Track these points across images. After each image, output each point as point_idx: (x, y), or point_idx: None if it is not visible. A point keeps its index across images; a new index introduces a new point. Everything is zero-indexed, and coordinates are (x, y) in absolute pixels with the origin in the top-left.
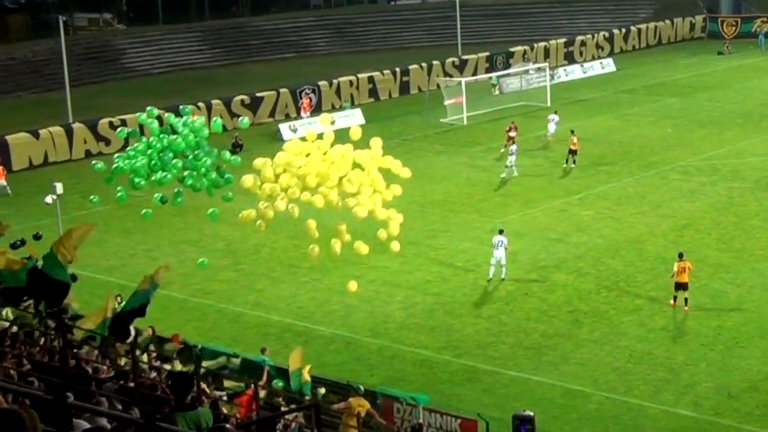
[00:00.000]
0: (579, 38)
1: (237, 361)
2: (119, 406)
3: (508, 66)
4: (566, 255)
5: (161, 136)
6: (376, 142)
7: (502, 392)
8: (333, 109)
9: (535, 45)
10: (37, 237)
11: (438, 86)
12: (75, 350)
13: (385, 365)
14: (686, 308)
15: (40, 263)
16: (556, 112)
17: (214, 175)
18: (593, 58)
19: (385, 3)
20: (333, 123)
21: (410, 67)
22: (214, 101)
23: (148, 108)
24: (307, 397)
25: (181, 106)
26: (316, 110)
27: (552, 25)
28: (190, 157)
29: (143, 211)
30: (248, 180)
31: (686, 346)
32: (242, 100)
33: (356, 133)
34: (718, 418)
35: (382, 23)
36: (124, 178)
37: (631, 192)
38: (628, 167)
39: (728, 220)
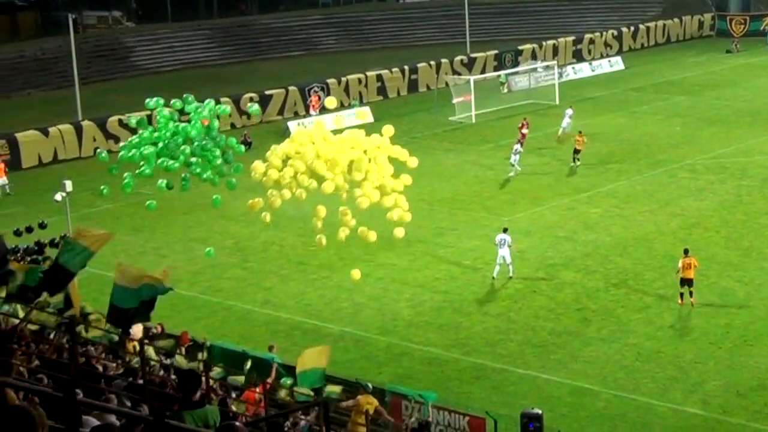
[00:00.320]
0: (587, 36)
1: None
2: (128, 403)
3: (516, 64)
4: (574, 253)
5: (170, 123)
6: (388, 130)
7: (510, 390)
8: (342, 107)
9: (544, 43)
10: (42, 226)
11: (446, 84)
12: (84, 348)
13: (393, 363)
14: (692, 299)
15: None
16: (571, 107)
17: (220, 161)
18: (602, 56)
19: (394, 1)
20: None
21: (419, 65)
22: (223, 99)
23: (155, 98)
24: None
25: (185, 95)
26: (325, 108)
27: (561, 23)
28: (197, 144)
29: (148, 202)
30: (259, 167)
31: (695, 344)
32: (251, 98)
33: (388, 131)
34: (727, 417)
35: (391, 21)
36: (129, 167)
37: (640, 190)
38: (636, 165)
39: (736, 218)
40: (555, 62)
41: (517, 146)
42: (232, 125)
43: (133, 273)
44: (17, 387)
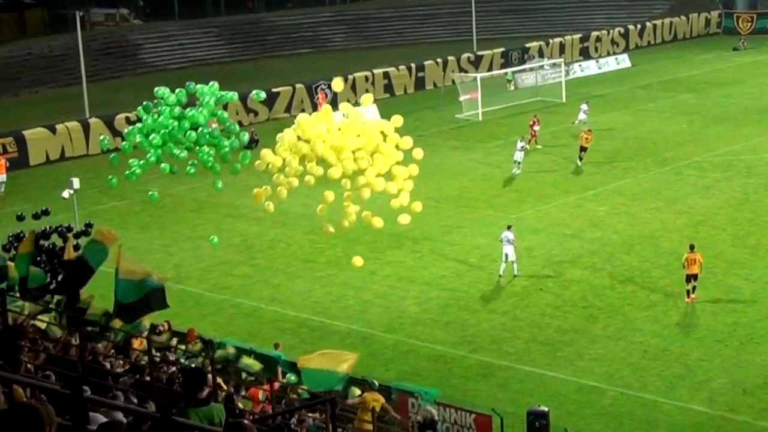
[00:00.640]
0: (594, 34)
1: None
2: (135, 400)
3: (523, 61)
4: (581, 250)
5: (176, 108)
6: (397, 120)
7: (516, 387)
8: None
9: (551, 40)
10: (45, 212)
11: (453, 82)
12: (91, 344)
13: (400, 360)
14: (693, 296)
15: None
16: (587, 102)
17: (227, 148)
18: (608, 54)
19: None
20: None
21: (425, 62)
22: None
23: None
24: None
25: (188, 82)
26: (332, 105)
27: (567, 20)
28: (203, 130)
29: (150, 192)
30: (268, 156)
31: (701, 342)
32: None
33: (397, 121)
34: (733, 414)
35: (398, 19)
36: (133, 156)
37: (646, 188)
38: (642, 163)
39: (743, 216)
40: (562, 60)
41: (521, 144)
42: (240, 123)
43: (133, 264)
44: (25, 384)
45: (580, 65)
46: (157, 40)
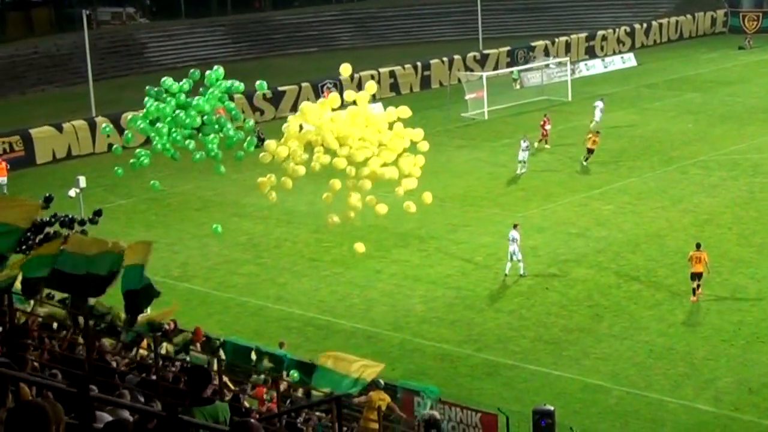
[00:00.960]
0: (600, 33)
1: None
2: (141, 399)
3: (529, 60)
4: (586, 249)
5: (181, 95)
6: (404, 110)
7: (522, 386)
8: (354, 104)
9: (557, 39)
10: (49, 199)
11: (459, 81)
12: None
13: (405, 359)
14: (699, 293)
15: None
16: (602, 99)
17: (232, 132)
18: (614, 53)
19: None
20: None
21: (431, 61)
22: (237, 95)
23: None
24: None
25: (192, 70)
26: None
27: (573, 19)
28: (210, 117)
29: (152, 182)
30: (271, 145)
31: (707, 341)
32: (264, 94)
33: (405, 111)
34: (738, 414)
35: (404, 18)
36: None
37: (652, 187)
38: (648, 162)
39: (749, 215)
40: (567, 59)
41: (526, 143)
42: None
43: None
44: (32, 383)
45: (585, 64)
46: (163, 38)
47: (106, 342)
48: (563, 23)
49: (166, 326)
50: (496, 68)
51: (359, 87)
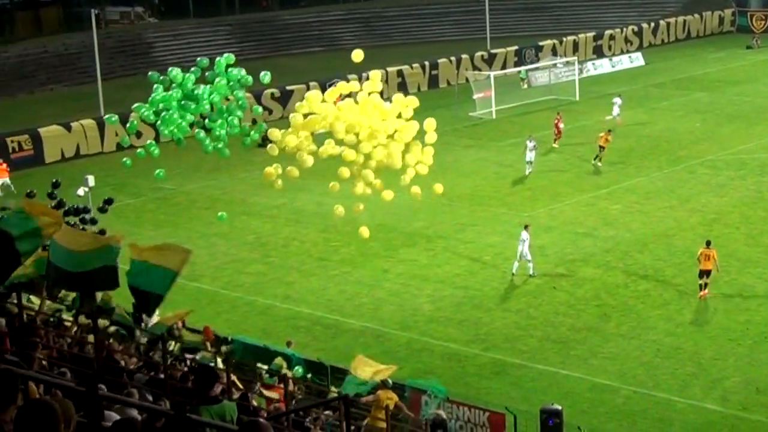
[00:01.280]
0: (608, 32)
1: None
2: (150, 398)
3: (536, 60)
4: (594, 249)
5: (189, 83)
6: (412, 101)
7: (530, 386)
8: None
9: (564, 39)
10: (56, 185)
11: (467, 80)
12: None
13: (413, 358)
14: (705, 291)
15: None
16: (619, 96)
17: (240, 115)
18: (622, 52)
19: None
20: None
21: (439, 60)
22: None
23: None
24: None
25: (199, 58)
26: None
27: (581, 19)
28: (221, 106)
29: (156, 171)
30: (275, 133)
31: (714, 340)
32: (272, 94)
33: (413, 102)
34: (746, 413)
35: (411, 17)
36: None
37: (660, 186)
38: (656, 161)
39: (757, 214)
40: (575, 58)
41: (533, 143)
42: (253, 121)
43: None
44: (41, 381)
45: (593, 63)
46: (171, 38)
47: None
48: (571, 23)
49: (176, 330)
50: (503, 68)
51: None
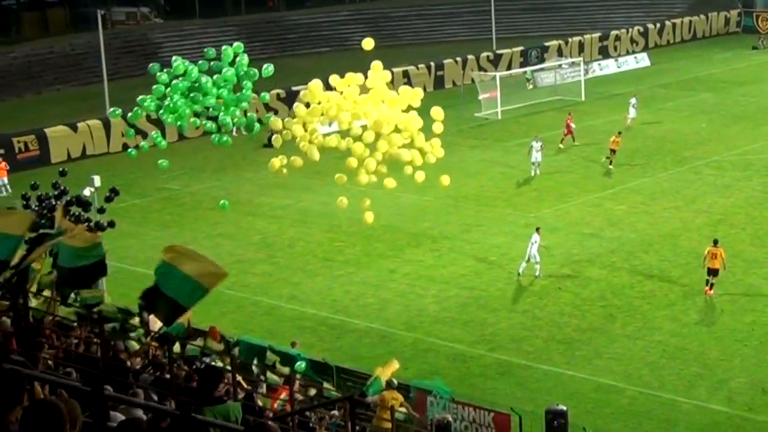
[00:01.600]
0: (613, 33)
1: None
2: (155, 398)
3: (542, 60)
4: (600, 249)
5: (195, 73)
6: (418, 93)
7: (535, 386)
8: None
9: (570, 39)
10: (63, 173)
11: (472, 80)
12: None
13: (419, 359)
14: (711, 291)
15: None
16: (635, 96)
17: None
18: (628, 53)
19: None
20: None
21: (445, 61)
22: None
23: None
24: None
25: (207, 49)
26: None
27: (586, 19)
28: (229, 93)
29: (160, 161)
30: (276, 122)
31: (720, 341)
32: (278, 94)
33: (418, 93)
34: (752, 414)
35: (417, 17)
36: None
37: (665, 187)
38: (662, 162)
39: (763, 215)
40: (581, 59)
41: (539, 143)
42: (260, 121)
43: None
44: (46, 381)
45: (599, 64)
46: (177, 38)
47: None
48: (576, 23)
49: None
50: (509, 68)
51: None
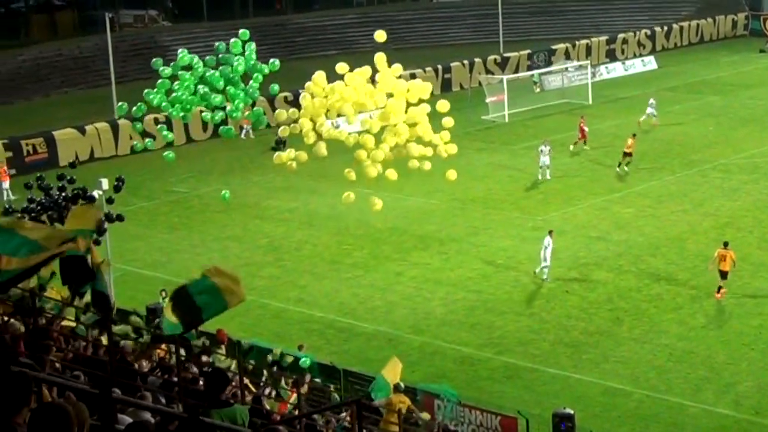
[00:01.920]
0: (621, 36)
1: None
2: (163, 400)
3: (549, 63)
4: (607, 253)
5: (201, 67)
6: (427, 86)
7: (542, 390)
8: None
9: (577, 42)
10: (72, 165)
11: (480, 84)
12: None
13: (426, 362)
14: (718, 295)
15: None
16: (653, 97)
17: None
18: (635, 56)
19: (428, 0)
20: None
21: (452, 64)
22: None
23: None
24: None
25: (217, 43)
26: None
27: (594, 22)
28: (238, 82)
29: (165, 153)
30: (281, 115)
31: (727, 344)
32: (285, 97)
33: (426, 88)
34: (759, 418)
35: (425, 20)
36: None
37: (673, 190)
38: (669, 165)
39: None
40: (588, 62)
41: (547, 147)
42: (268, 125)
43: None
44: (54, 384)
45: (606, 67)
46: (185, 41)
47: (129, 344)
48: (583, 26)
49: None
50: (516, 71)
51: None
